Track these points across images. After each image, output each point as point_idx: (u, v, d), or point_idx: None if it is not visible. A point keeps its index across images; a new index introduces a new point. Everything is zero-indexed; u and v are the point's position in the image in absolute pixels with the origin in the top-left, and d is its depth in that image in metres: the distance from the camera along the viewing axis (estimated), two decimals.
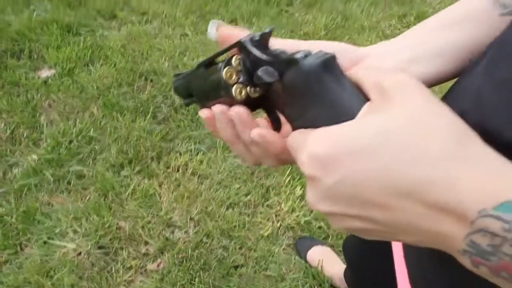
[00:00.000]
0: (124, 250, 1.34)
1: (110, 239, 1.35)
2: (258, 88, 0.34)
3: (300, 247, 1.40)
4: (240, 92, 0.34)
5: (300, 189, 1.55)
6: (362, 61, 0.38)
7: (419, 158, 0.25)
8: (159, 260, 1.33)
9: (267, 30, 0.34)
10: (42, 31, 2.07)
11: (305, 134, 0.30)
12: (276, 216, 1.48)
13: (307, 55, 0.30)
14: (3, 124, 1.66)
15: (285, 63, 0.31)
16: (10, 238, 1.33)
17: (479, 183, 0.24)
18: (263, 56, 0.33)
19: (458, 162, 0.25)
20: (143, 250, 1.35)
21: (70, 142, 1.61)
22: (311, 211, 1.49)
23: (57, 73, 1.88)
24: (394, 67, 0.37)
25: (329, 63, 0.30)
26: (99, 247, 1.34)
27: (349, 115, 0.29)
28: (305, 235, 1.44)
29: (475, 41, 0.38)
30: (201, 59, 1.88)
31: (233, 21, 2.39)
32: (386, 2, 2.61)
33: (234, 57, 0.34)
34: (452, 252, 0.26)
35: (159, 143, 1.66)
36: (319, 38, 2.25)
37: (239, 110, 0.35)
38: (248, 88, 0.34)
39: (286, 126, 0.36)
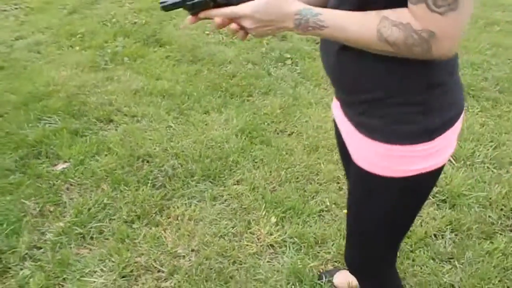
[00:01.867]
0: (142, 277, 1.70)
1: (131, 270, 1.72)
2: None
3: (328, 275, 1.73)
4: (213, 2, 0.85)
5: (274, 218, 1.98)
6: None
7: (281, 4, 0.81)
8: (171, 279, 1.69)
9: None
10: (55, 136, 2.58)
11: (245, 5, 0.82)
12: (258, 239, 1.89)
13: None
14: (32, 204, 2.08)
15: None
16: (51, 279, 1.68)
17: (295, 6, 0.80)
18: None
19: (290, 4, 0.81)
20: (157, 275, 1.72)
21: (89, 209, 2.03)
22: (286, 233, 1.91)
23: (71, 164, 2.35)
24: None
25: None
26: (122, 277, 1.70)
27: None
28: (288, 252, 1.84)
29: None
30: (185, 142, 2.39)
31: (206, 113, 2.98)
32: (327, 83, 3.29)
33: None
34: (291, 29, 0.82)
35: (160, 201, 2.09)
36: (276, 116, 2.84)
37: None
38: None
39: None
